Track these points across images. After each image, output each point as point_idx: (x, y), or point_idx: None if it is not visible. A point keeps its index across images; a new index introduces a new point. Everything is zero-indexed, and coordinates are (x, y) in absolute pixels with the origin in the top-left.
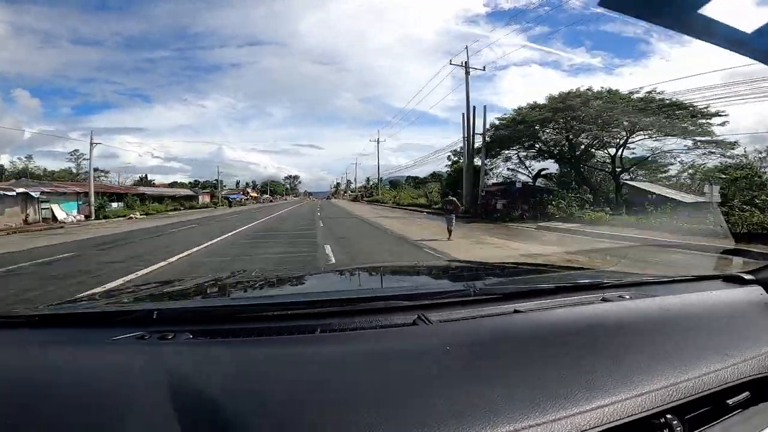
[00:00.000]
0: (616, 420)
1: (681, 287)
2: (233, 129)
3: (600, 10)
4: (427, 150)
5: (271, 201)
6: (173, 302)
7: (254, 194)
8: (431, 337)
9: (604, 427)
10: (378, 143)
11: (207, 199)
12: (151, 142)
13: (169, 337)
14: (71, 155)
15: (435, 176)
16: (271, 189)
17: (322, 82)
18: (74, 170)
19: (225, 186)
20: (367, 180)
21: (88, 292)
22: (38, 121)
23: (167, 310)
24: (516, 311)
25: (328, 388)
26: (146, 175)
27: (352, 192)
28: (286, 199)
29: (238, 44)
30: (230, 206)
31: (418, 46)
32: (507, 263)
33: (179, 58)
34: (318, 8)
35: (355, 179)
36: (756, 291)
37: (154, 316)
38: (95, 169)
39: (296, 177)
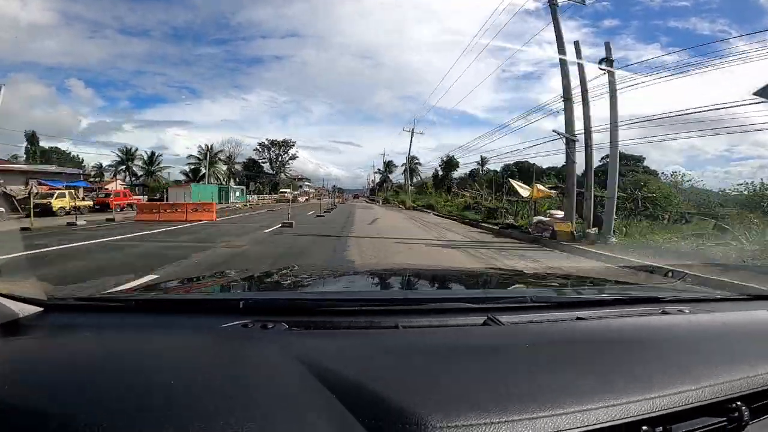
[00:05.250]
0: (683, 405)
1: (741, 305)
2: (274, 125)
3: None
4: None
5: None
6: (261, 293)
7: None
8: (503, 337)
9: (676, 409)
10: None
11: None
12: (198, 136)
13: (270, 326)
14: None
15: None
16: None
17: (361, 77)
18: None
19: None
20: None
21: (167, 282)
22: (93, 112)
23: (262, 300)
24: (578, 318)
25: (417, 378)
26: None
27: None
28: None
29: (280, 35)
30: None
31: (462, 43)
32: (570, 275)
33: (222, 50)
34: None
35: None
36: None
37: (251, 306)
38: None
39: (288, 144)
